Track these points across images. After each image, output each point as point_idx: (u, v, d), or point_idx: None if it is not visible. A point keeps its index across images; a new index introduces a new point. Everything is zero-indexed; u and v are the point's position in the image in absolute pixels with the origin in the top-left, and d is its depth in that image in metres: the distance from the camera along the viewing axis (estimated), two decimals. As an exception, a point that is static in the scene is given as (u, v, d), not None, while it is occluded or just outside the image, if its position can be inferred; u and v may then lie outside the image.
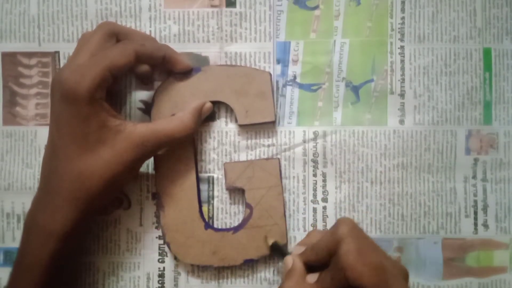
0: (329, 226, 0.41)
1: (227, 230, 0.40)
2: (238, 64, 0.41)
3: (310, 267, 0.34)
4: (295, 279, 0.33)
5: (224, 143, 0.41)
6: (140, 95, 0.41)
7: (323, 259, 0.33)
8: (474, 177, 0.41)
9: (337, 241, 0.32)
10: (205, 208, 0.41)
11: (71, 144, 0.34)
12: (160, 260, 0.41)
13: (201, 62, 0.41)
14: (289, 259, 0.35)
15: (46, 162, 0.36)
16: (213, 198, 0.41)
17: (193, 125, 0.38)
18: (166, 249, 0.40)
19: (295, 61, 0.41)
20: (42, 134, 0.41)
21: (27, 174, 0.41)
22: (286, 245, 0.39)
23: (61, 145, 0.34)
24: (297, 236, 0.41)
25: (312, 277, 0.33)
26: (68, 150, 0.34)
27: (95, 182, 0.34)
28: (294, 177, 0.41)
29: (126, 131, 0.35)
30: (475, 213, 0.41)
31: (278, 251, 0.39)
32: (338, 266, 0.31)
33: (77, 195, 0.34)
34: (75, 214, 0.34)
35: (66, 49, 0.41)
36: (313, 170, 0.41)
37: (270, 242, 0.39)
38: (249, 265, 0.40)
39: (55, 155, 0.35)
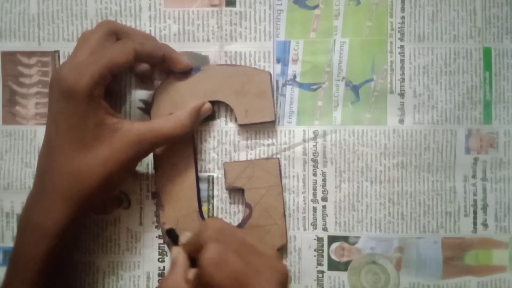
0: (329, 226, 0.41)
1: (227, 229, 0.40)
2: (238, 63, 0.41)
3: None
4: (176, 273, 0.34)
5: (224, 143, 0.41)
6: (140, 95, 0.41)
7: (196, 256, 0.33)
8: (474, 176, 0.41)
9: (201, 245, 0.32)
10: (205, 207, 0.41)
11: (68, 142, 0.34)
12: (160, 260, 0.41)
13: (201, 61, 0.41)
14: (174, 251, 0.36)
15: (42, 159, 0.36)
16: (213, 198, 0.41)
17: (190, 124, 0.38)
18: (166, 248, 0.40)
19: (295, 61, 0.41)
20: (42, 133, 0.40)
21: (27, 173, 0.41)
22: (177, 235, 0.38)
23: (58, 142, 0.34)
24: (297, 235, 0.40)
25: (192, 273, 0.33)
26: (65, 147, 0.34)
27: (91, 180, 0.34)
28: (294, 176, 0.41)
29: (123, 129, 0.35)
30: (475, 212, 0.41)
31: (172, 238, 0.38)
32: (201, 270, 0.31)
33: (73, 192, 0.34)
34: (70, 212, 0.34)
35: (66, 49, 0.41)
36: (313, 170, 0.41)
37: (167, 227, 0.39)
38: (249, 264, 0.40)
39: (52, 152, 0.35)
